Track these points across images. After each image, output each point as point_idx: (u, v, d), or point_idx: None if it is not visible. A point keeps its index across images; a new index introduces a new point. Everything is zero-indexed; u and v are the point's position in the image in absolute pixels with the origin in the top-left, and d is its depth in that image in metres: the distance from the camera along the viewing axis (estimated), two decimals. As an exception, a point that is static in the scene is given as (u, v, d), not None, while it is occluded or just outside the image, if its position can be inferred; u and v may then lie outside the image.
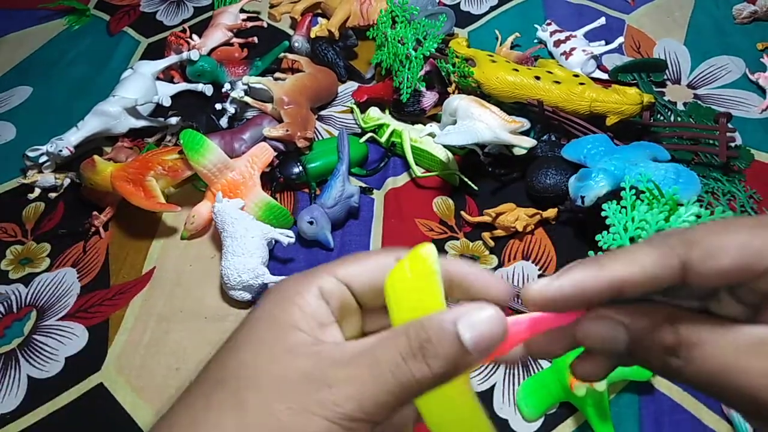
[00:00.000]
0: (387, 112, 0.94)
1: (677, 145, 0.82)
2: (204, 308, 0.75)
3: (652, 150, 0.73)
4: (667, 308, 0.22)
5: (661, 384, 0.63)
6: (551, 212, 0.78)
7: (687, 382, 0.22)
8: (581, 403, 0.60)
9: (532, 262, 0.75)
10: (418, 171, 0.85)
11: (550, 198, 0.77)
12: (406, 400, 0.21)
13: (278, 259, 0.79)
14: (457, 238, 0.79)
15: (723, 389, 0.21)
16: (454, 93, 0.88)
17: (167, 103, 0.93)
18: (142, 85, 0.93)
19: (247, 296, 0.73)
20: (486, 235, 0.77)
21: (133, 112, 0.92)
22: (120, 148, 0.92)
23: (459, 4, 1.18)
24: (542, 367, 0.66)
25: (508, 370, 0.66)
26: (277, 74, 0.99)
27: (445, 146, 0.82)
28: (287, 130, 0.86)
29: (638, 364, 0.23)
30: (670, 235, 0.21)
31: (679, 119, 0.87)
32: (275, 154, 0.85)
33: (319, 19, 1.13)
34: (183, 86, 0.99)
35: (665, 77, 0.97)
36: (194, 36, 1.12)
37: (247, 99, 0.92)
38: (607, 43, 0.99)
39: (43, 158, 0.90)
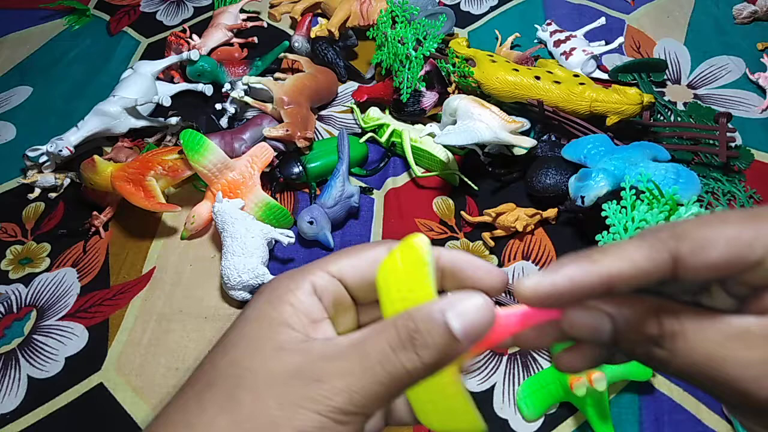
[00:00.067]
0: (387, 112, 0.94)
1: (677, 145, 0.82)
2: (204, 308, 0.75)
3: (652, 150, 0.73)
4: (652, 299, 0.22)
5: (661, 384, 0.63)
6: (551, 212, 0.78)
7: (672, 373, 0.22)
8: (581, 403, 0.60)
9: (532, 262, 0.75)
10: (418, 171, 0.85)
11: (550, 198, 0.77)
12: (396, 391, 0.21)
13: (278, 259, 0.79)
14: (457, 238, 0.79)
15: (708, 379, 0.21)
16: (454, 93, 0.88)
17: (167, 103, 0.93)
18: (142, 85, 0.93)
19: (247, 296, 0.73)
20: (486, 235, 0.77)
21: (133, 112, 0.92)
22: (120, 148, 0.93)
23: (459, 4, 1.18)
24: (542, 367, 0.66)
25: (508, 370, 0.66)
26: (277, 74, 0.99)
27: (445, 146, 0.82)
28: (287, 130, 0.86)
29: (624, 355, 0.23)
30: (661, 229, 0.21)
31: (679, 119, 0.87)
32: (275, 154, 0.85)
33: (319, 19, 1.13)
34: (183, 86, 0.99)
35: (665, 77, 0.97)
36: (194, 36, 1.12)
37: (247, 99, 0.92)
38: (607, 43, 0.99)
39: (43, 158, 0.90)
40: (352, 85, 1.02)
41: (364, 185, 0.87)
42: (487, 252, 0.77)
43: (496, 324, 0.22)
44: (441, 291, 0.23)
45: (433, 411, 0.23)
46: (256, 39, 1.12)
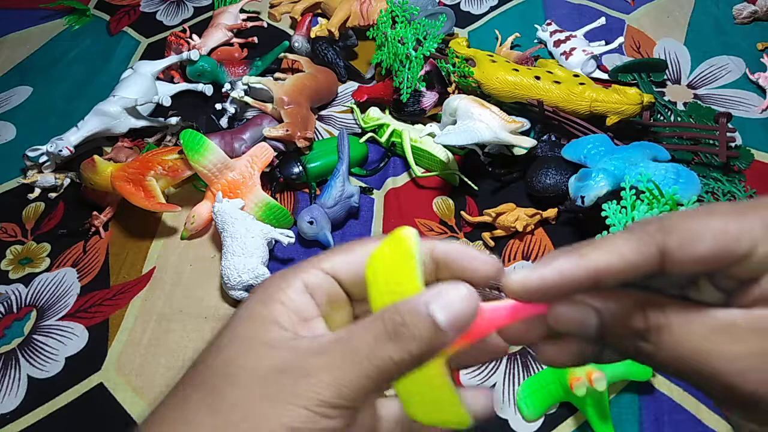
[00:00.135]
0: (387, 112, 0.94)
1: (677, 145, 0.82)
2: (204, 308, 0.75)
3: (652, 150, 0.73)
4: (639, 293, 0.22)
5: (661, 384, 0.63)
6: (551, 212, 0.78)
7: (659, 367, 0.22)
8: (581, 403, 0.60)
9: (532, 262, 0.75)
10: (418, 171, 0.85)
11: (550, 198, 0.77)
12: (384, 384, 0.21)
13: (278, 259, 0.79)
14: (458, 238, 0.79)
15: (694, 373, 0.21)
16: (454, 93, 0.88)
17: (167, 103, 0.93)
18: (142, 85, 0.93)
19: (246, 296, 0.73)
20: (486, 235, 0.77)
21: (133, 112, 0.92)
22: (120, 148, 0.93)
23: (459, 4, 1.18)
24: (542, 367, 0.66)
25: (508, 370, 0.66)
26: (277, 74, 0.99)
27: (445, 146, 0.82)
28: (287, 130, 0.86)
29: (611, 350, 0.23)
30: (649, 222, 0.21)
31: (679, 119, 0.87)
32: (275, 154, 0.85)
33: (319, 19, 1.13)
34: (183, 86, 0.99)
35: (665, 77, 0.97)
36: (194, 36, 1.12)
37: (247, 99, 0.92)
38: (607, 43, 0.99)
39: (43, 158, 0.90)
40: (352, 85, 1.02)
41: (364, 185, 0.87)
42: (487, 252, 0.77)
43: (483, 318, 0.22)
44: (437, 282, 0.23)
45: (420, 403, 0.23)
46: (256, 39, 1.12)
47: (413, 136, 0.86)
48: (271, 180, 0.86)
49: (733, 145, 0.78)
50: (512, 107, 0.85)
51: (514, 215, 0.76)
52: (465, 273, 0.25)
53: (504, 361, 0.67)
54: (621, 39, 0.99)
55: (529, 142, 0.77)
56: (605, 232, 0.64)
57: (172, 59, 0.98)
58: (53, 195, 0.91)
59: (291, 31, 1.15)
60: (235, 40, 1.12)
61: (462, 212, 0.81)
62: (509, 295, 0.22)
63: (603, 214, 0.65)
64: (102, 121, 0.91)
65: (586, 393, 0.57)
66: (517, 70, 0.83)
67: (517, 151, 0.83)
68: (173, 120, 0.94)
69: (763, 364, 0.19)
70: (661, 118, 0.88)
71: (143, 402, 0.67)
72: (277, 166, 0.86)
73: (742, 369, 0.20)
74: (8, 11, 1.31)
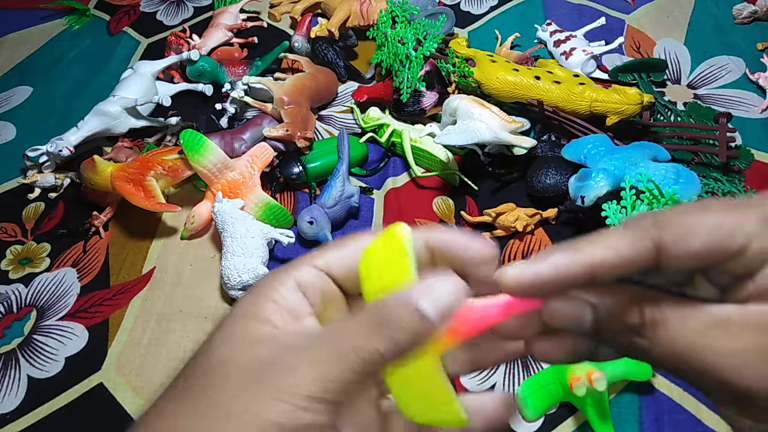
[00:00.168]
0: (387, 112, 0.94)
1: (677, 145, 0.82)
2: (204, 308, 0.75)
3: (652, 150, 0.73)
4: (634, 288, 0.22)
5: (661, 384, 0.63)
6: (551, 212, 0.78)
7: (654, 362, 0.22)
8: (581, 403, 0.60)
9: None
10: (418, 171, 0.85)
11: (550, 198, 0.77)
12: (369, 376, 0.21)
13: (278, 259, 0.79)
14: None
15: (688, 368, 0.21)
16: (454, 93, 0.88)
17: (167, 103, 0.93)
18: (142, 85, 0.93)
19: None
20: (486, 235, 0.77)
21: (133, 112, 0.92)
22: (120, 148, 0.93)
23: (459, 4, 1.18)
24: (542, 367, 0.66)
25: (508, 370, 0.66)
26: (277, 74, 0.99)
27: (445, 146, 0.82)
28: (287, 130, 0.86)
29: (606, 345, 0.23)
30: (644, 217, 0.21)
31: (679, 119, 0.87)
32: (275, 154, 0.85)
33: (319, 19, 1.13)
34: (183, 86, 0.99)
35: (665, 77, 0.97)
36: (194, 36, 1.12)
37: (247, 99, 0.92)
38: (607, 43, 0.99)
39: (43, 158, 0.90)
40: (352, 85, 1.02)
41: (364, 185, 0.87)
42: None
43: (478, 314, 0.22)
44: (433, 270, 0.23)
45: (415, 402, 0.23)
46: (256, 39, 1.12)
47: (413, 136, 0.86)
48: (271, 180, 0.86)
49: (733, 145, 0.78)
50: (512, 107, 0.85)
51: (514, 215, 0.76)
52: (460, 260, 0.24)
53: (504, 361, 0.67)
54: (621, 39, 0.99)
55: (529, 142, 0.77)
56: (605, 232, 0.64)
57: (172, 59, 0.98)
58: (53, 195, 0.91)
59: (291, 31, 1.15)
60: (235, 40, 1.12)
61: (462, 212, 0.81)
62: (504, 289, 0.22)
63: (603, 214, 0.65)
64: (102, 121, 0.91)
65: (586, 393, 0.57)
66: (517, 70, 0.83)
67: (517, 151, 0.83)
68: (173, 120, 0.94)
69: (758, 359, 0.19)
70: (661, 118, 0.88)
71: (143, 402, 0.67)
72: (277, 166, 0.86)
73: (736, 364, 0.20)
74: (8, 11, 1.31)
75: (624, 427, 0.61)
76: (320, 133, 0.96)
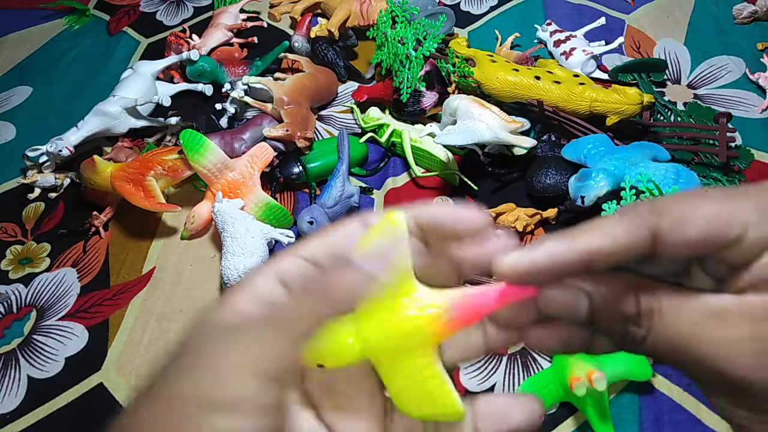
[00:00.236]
0: (387, 112, 0.94)
1: (677, 145, 0.82)
2: (204, 308, 0.75)
3: (652, 150, 0.73)
4: (630, 277, 0.22)
5: (661, 384, 0.63)
6: (551, 212, 0.78)
7: (649, 353, 0.22)
8: (581, 403, 0.60)
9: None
10: (418, 171, 0.85)
11: (550, 198, 0.77)
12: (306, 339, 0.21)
13: (278, 259, 0.79)
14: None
15: (684, 358, 0.21)
16: (454, 93, 0.88)
17: (167, 103, 0.93)
18: (142, 85, 0.93)
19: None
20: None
21: (133, 112, 0.92)
22: (120, 148, 0.93)
23: (459, 4, 1.18)
24: (542, 367, 0.66)
25: (508, 370, 0.66)
26: (277, 74, 0.99)
27: (445, 146, 0.82)
28: (287, 130, 0.86)
29: (601, 335, 0.23)
30: (641, 205, 0.21)
31: (679, 119, 0.87)
32: (275, 154, 0.85)
33: (319, 19, 1.13)
34: (183, 86, 0.99)
35: (665, 77, 0.97)
36: (194, 36, 1.12)
37: (247, 99, 0.92)
38: (607, 43, 0.99)
39: (43, 158, 0.90)
40: (352, 85, 1.02)
41: (364, 185, 0.87)
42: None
43: (472, 302, 0.22)
44: (426, 247, 0.23)
45: (411, 396, 0.22)
46: (256, 39, 1.12)
47: (413, 136, 0.86)
48: (271, 180, 0.86)
49: (733, 145, 0.78)
50: (512, 107, 0.85)
51: (514, 215, 0.76)
52: (452, 234, 0.24)
53: (504, 361, 0.67)
54: (621, 39, 0.99)
55: (529, 142, 0.77)
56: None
57: (172, 59, 0.98)
58: (53, 195, 0.91)
59: (291, 31, 1.15)
60: (235, 40, 1.12)
61: (462, 212, 0.81)
62: (499, 277, 0.22)
63: (603, 214, 0.65)
64: (102, 121, 0.91)
65: (586, 393, 0.57)
66: (517, 70, 0.83)
67: (517, 151, 0.83)
68: (173, 120, 0.94)
69: (754, 349, 0.19)
70: (661, 118, 0.88)
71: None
72: (277, 166, 0.86)
73: (732, 354, 0.20)
74: (8, 11, 1.31)
75: (624, 427, 0.61)
76: (320, 133, 0.96)
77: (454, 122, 0.79)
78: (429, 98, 0.91)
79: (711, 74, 0.98)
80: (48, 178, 0.90)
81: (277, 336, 0.21)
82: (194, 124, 0.93)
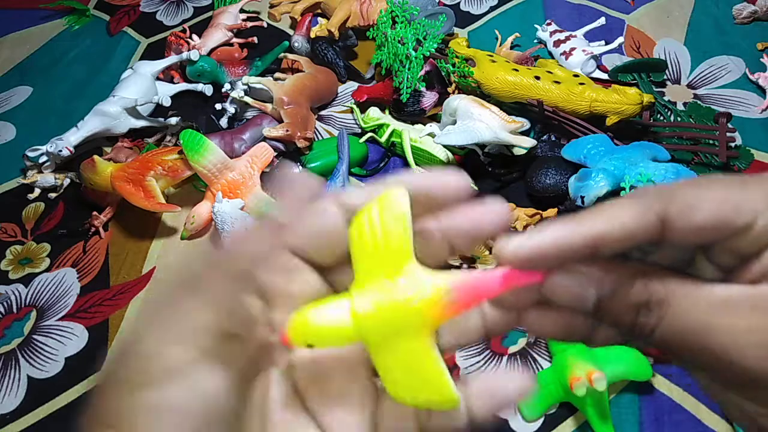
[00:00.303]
0: (387, 112, 0.94)
1: (677, 145, 0.82)
2: (204, 308, 0.75)
3: (652, 150, 0.73)
4: (638, 264, 0.22)
5: (661, 384, 0.63)
6: (551, 212, 0.78)
7: (656, 343, 0.21)
8: (581, 403, 0.60)
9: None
10: (418, 171, 0.85)
11: (550, 198, 0.77)
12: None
13: (278, 259, 0.79)
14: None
15: (694, 350, 0.20)
16: (454, 93, 0.88)
17: (167, 103, 0.93)
18: (142, 85, 0.93)
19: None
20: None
21: (133, 112, 0.92)
22: (120, 148, 0.93)
23: (459, 4, 1.18)
24: (542, 367, 0.66)
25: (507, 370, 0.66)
26: (277, 74, 0.99)
27: (445, 146, 0.82)
28: (287, 130, 0.86)
29: (607, 324, 0.22)
30: (648, 190, 0.21)
31: (679, 119, 0.87)
32: (275, 154, 0.85)
33: (319, 19, 1.13)
34: (183, 86, 0.99)
35: (665, 77, 0.97)
36: (194, 36, 1.12)
37: (247, 99, 0.92)
38: (607, 43, 0.99)
39: (43, 158, 0.90)
40: (352, 85, 1.02)
41: (364, 185, 0.86)
42: (487, 252, 0.77)
43: (474, 286, 0.21)
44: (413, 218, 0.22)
45: (405, 382, 0.21)
46: (256, 39, 1.12)
47: (413, 136, 0.86)
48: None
49: (733, 145, 0.78)
50: (512, 107, 0.85)
51: (514, 215, 0.76)
52: (438, 203, 0.22)
53: (504, 361, 0.67)
54: (621, 39, 0.99)
55: (529, 142, 0.77)
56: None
57: (172, 59, 0.98)
58: (53, 195, 0.91)
59: (291, 31, 1.15)
60: (235, 40, 1.12)
61: (462, 212, 0.81)
62: (502, 262, 0.21)
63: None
64: (102, 121, 0.91)
65: (586, 393, 0.57)
66: (517, 70, 0.83)
67: (517, 151, 0.83)
68: (173, 120, 0.94)
69: (763, 340, 0.19)
70: (661, 118, 0.88)
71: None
72: (277, 166, 0.86)
73: (741, 344, 0.19)
74: (8, 11, 1.31)
75: (624, 427, 0.61)
76: (320, 133, 0.96)
77: (454, 122, 0.79)
78: (429, 98, 0.91)
79: (711, 74, 0.98)
80: (48, 178, 0.90)
81: (197, 306, 0.20)
82: (194, 124, 0.93)
